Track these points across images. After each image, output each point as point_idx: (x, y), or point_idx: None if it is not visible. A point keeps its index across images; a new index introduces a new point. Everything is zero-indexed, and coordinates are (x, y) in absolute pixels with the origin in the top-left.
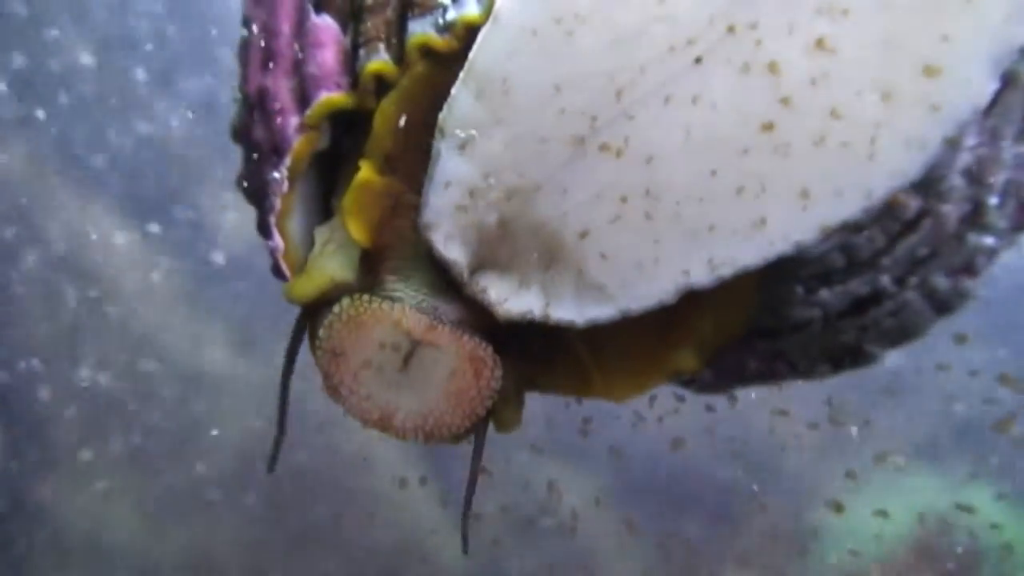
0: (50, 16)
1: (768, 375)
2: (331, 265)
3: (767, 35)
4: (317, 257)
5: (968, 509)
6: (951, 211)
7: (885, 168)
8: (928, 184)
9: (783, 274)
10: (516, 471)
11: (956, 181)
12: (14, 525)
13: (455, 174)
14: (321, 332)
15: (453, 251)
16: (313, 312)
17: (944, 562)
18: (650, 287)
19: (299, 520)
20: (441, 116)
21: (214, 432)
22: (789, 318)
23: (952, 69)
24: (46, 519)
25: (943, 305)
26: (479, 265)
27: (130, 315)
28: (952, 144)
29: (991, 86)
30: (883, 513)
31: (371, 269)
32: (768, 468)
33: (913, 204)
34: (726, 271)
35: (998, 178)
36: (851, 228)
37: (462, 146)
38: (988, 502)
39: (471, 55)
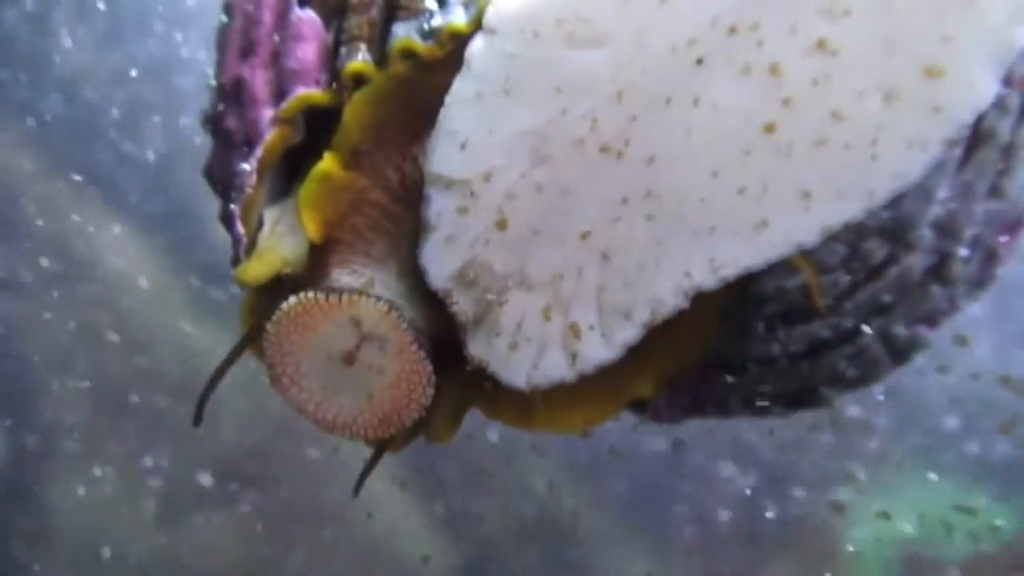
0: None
1: (721, 409)
2: (282, 247)
3: (769, 36)
4: (268, 239)
5: (970, 511)
6: (917, 262)
7: (887, 169)
8: (897, 233)
9: (744, 309)
10: (516, 472)
11: (925, 232)
12: (11, 526)
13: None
14: (269, 326)
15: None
16: (260, 295)
17: (945, 564)
18: (653, 288)
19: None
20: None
21: (212, 433)
22: (747, 353)
23: (953, 70)
24: (45, 520)
25: (900, 354)
26: (482, 326)
27: (132, 318)
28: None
29: (992, 87)
30: (885, 515)
31: (319, 258)
32: (769, 471)
33: (880, 252)
34: (728, 272)
35: (966, 233)
36: (819, 269)
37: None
38: (990, 505)
39: (467, 54)
